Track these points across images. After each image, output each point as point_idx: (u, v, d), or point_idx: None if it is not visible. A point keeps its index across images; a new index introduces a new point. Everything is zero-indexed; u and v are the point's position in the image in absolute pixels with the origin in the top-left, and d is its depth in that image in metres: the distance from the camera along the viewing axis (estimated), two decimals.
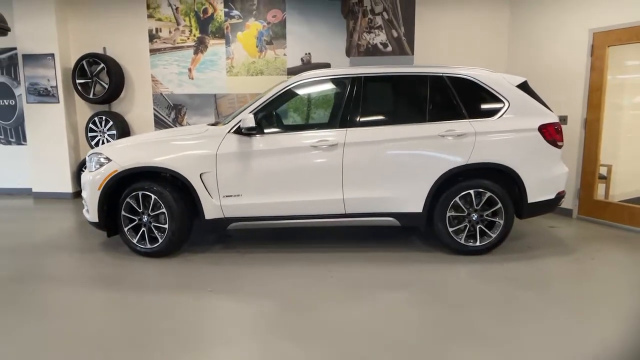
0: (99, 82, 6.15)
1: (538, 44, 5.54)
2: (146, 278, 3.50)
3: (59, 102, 6.21)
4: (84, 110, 6.51)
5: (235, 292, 3.22)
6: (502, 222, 3.84)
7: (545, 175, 3.89)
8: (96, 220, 3.87)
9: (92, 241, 4.36)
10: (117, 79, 6.13)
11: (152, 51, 6.31)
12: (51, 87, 6.17)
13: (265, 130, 3.86)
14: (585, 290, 3.26)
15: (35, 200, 6.37)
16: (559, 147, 3.93)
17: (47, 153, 6.33)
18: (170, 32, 6.25)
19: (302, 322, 2.74)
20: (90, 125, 6.23)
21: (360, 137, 3.78)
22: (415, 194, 3.82)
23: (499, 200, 3.81)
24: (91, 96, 6.15)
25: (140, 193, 3.80)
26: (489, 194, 3.81)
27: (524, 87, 4.01)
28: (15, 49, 6.26)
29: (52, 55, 6.09)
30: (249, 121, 3.66)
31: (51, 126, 6.26)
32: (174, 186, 3.83)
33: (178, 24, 6.22)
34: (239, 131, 3.76)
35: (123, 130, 6.29)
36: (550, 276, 3.52)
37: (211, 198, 3.80)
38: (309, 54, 6.12)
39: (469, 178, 3.85)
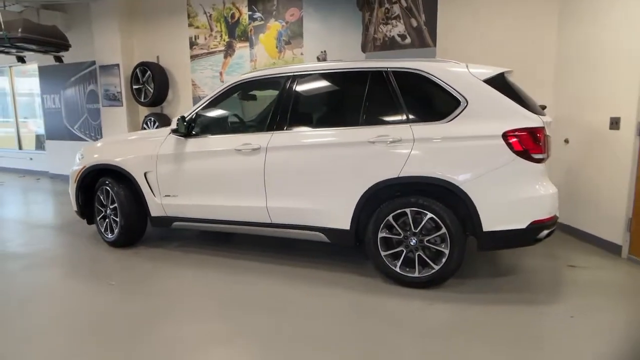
0: (147, 87, 6.94)
1: (594, 23, 4.19)
2: (85, 264, 3.87)
3: (122, 106, 7.23)
4: (144, 113, 7.43)
5: (133, 290, 3.29)
6: (446, 251, 3.07)
7: (510, 197, 2.97)
8: (75, 209, 4.42)
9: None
10: (160, 84, 6.83)
11: (192, 57, 6.83)
12: (117, 92, 7.22)
13: (196, 133, 3.81)
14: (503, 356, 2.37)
15: None
16: (537, 160, 2.94)
17: None
18: (205, 38, 6.66)
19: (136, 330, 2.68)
20: (143, 125, 7.10)
21: (282, 142, 3.46)
22: (340, 208, 3.32)
23: (442, 224, 3.06)
24: (142, 100, 6.99)
25: (104, 188, 4.19)
26: (429, 215, 3.09)
27: (497, 81, 3.11)
28: None
29: (117, 65, 7.11)
30: (174, 124, 3.70)
31: (118, 126, 7.32)
32: (127, 184, 4.10)
33: (211, 30, 6.59)
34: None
35: None
36: (474, 330, 2.65)
37: (154, 196, 3.97)
38: (325, 51, 5.81)
39: (408, 194, 3.18)
